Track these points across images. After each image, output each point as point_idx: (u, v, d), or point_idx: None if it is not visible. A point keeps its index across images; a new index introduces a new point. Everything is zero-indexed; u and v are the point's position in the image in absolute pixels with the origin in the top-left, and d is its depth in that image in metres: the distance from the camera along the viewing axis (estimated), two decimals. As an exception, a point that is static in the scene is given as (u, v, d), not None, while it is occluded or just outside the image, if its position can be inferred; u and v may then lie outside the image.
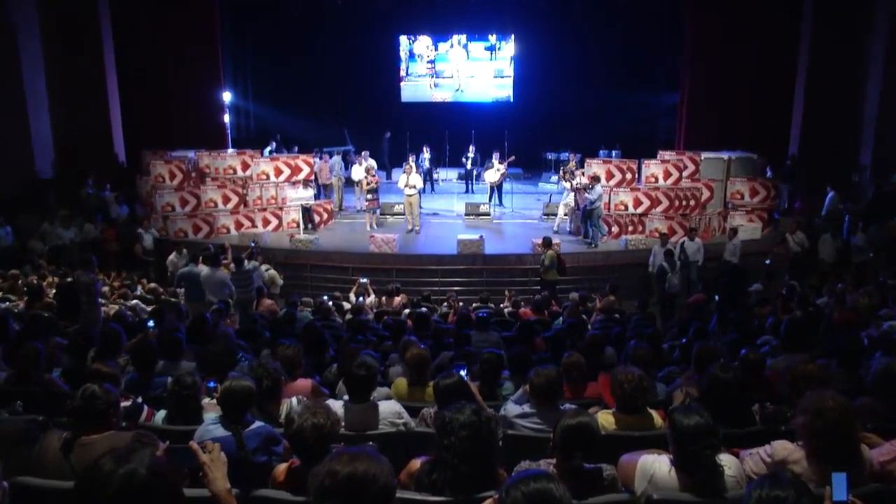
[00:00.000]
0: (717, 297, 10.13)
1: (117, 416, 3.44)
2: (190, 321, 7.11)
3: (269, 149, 17.47)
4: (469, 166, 19.05)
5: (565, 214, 15.02)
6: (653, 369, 5.42)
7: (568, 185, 14.61)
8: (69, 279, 9.55)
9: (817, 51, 16.21)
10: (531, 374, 4.11)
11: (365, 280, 11.45)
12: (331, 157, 17.24)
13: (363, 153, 17.26)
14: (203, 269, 10.00)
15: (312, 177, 15.61)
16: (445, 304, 10.77)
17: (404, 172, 14.88)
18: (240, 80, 21.25)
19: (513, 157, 17.09)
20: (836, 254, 12.73)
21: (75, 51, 16.27)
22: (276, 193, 15.14)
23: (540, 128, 21.08)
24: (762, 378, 4.84)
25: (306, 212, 14.85)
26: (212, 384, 4.47)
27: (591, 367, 5.35)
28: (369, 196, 14.99)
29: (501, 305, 10.81)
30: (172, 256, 12.08)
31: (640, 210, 14.49)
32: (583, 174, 14.56)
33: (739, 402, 3.99)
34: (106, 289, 10.34)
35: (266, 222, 15.09)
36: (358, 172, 16.70)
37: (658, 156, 15.18)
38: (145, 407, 4.26)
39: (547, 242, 12.01)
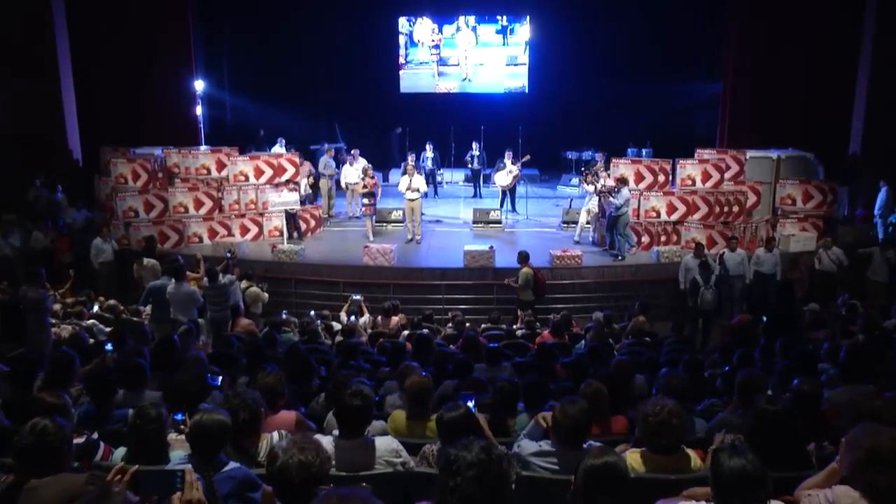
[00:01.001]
0: (764, 319, 10.09)
1: (69, 456, 3.40)
2: (155, 344, 7.12)
3: (277, 147, 17.59)
4: (477, 167, 19.15)
5: (588, 222, 15.04)
6: (690, 402, 5.40)
7: (591, 188, 14.65)
8: (13, 295, 9.51)
9: (883, 39, 16.17)
10: (554, 408, 4.10)
11: (358, 297, 11.46)
12: (319, 154, 17.33)
13: (353, 152, 17.34)
14: (169, 283, 10.04)
15: (298, 178, 15.68)
16: (450, 324, 10.77)
17: (405, 174, 14.94)
18: (214, 66, 21.42)
19: (528, 157, 17.17)
20: (890, 271, 12.39)
21: (22, 30, 15.81)
22: (255, 197, 15.20)
23: (559, 123, 21.17)
24: (819, 413, 4.81)
25: (291, 218, 14.92)
26: (180, 417, 4.46)
27: (618, 399, 5.33)
28: (366, 200, 15.05)
29: (514, 327, 10.80)
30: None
31: (674, 217, 14.50)
32: (608, 176, 14.59)
33: (792, 441, 3.95)
34: (57, 306, 10.33)
35: (244, 230, 15.14)
36: (350, 174, 16.78)
37: (696, 155, 15.22)
38: (101, 444, 4.24)
39: (522, 257, 12.09)
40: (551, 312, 12.21)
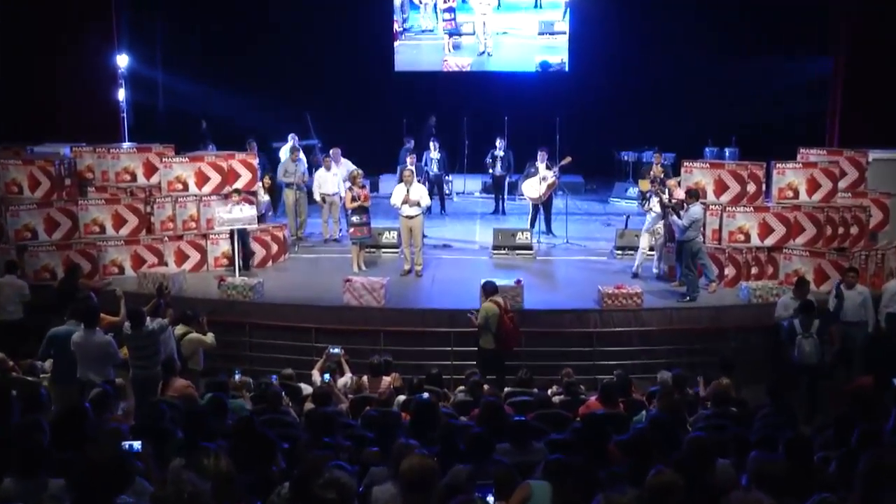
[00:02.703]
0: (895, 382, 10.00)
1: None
2: (56, 414, 7.10)
3: (289, 144, 17.78)
4: (499, 172, 19.26)
5: (651, 248, 15.02)
6: (793, 496, 5.35)
7: (654, 201, 14.64)
8: None
9: None
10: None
11: (337, 350, 11.42)
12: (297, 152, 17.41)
13: (333, 152, 17.46)
14: (76, 330, 10.05)
15: (256, 186, 15.82)
16: (462, 387, 10.72)
17: (401, 182, 15.00)
18: (143, 36, 21.68)
19: (568, 159, 17.24)
20: None
21: None
22: (197, 213, 15.29)
23: (611, 113, 21.29)
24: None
25: (241, 240, 14.82)
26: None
27: (694, 492, 5.28)
28: (356, 219, 15.08)
29: (549, 391, 10.75)
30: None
31: (769, 241, 14.48)
32: (677, 185, 14.60)
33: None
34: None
35: (181, 257, 15.20)
36: (326, 181, 16.86)
37: (798, 156, 15.25)
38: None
39: (488, 289, 12.07)
40: (601, 371, 12.16)
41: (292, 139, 18.16)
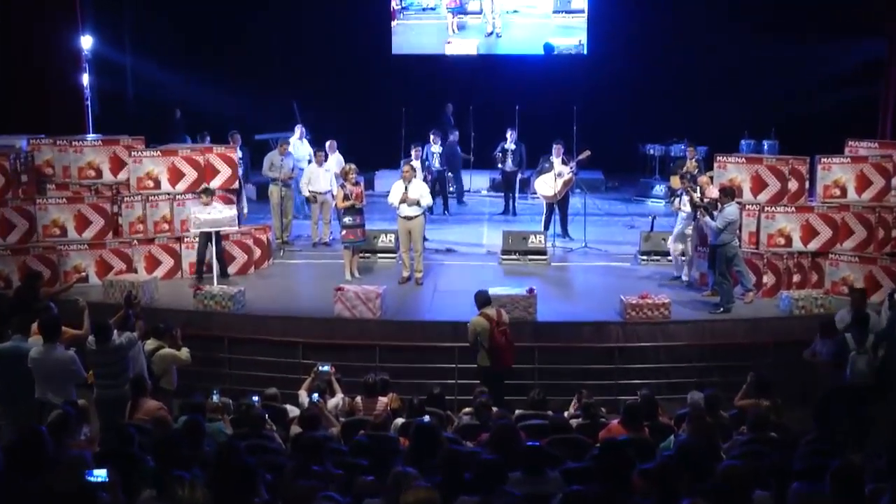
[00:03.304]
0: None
1: None
2: (8, 441, 7.09)
3: (296, 136, 17.77)
4: (510, 168, 19.29)
5: (682, 254, 15.00)
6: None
7: (685, 199, 14.59)
8: None
9: None
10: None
11: (326, 368, 11.40)
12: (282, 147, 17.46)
13: (329, 144, 17.44)
14: (34, 346, 10.01)
15: (237, 184, 15.79)
16: (469, 409, 10.70)
17: (401, 179, 14.97)
18: (110, 15, 21.70)
19: (587, 153, 17.24)
20: None
21: None
22: (171, 213, 15.29)
23: (635, 101, 21.28)
24: None
25: (208, 244, 14.72)
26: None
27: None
28: (348, 220, 15.04)
29: (566, 414, 10.73)
30: None
31: (813, 246, 14.46)
32: (710, 182, 14.60)
33: None
34: None
35: (153, 263, 15.19)
36: (318, 178, 16.86)
37: (846, 150, 15.24)
38: None
39: (480, 300, 12.04)
40: (624, 391, 12.14)
41: (299, 130, 18.19)
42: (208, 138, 17.91)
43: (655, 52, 21.16)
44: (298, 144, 18.13)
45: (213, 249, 14.64)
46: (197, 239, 14.96)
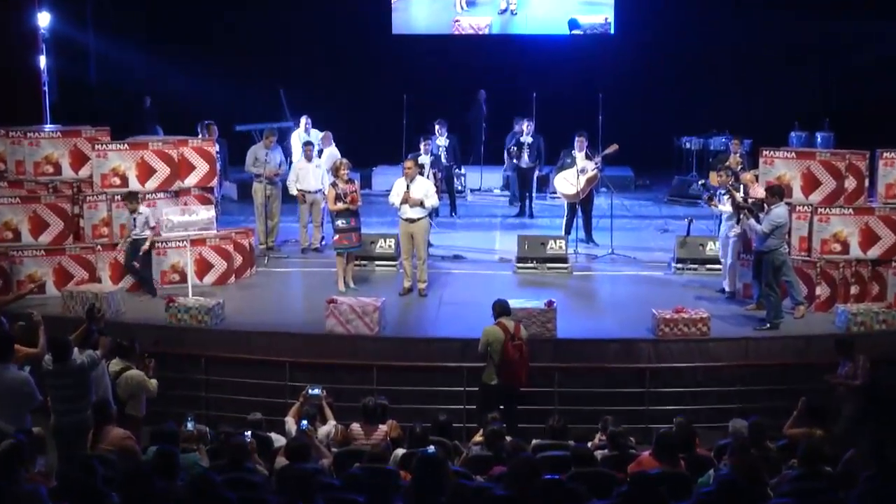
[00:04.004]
0: None
1: None
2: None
3: (301, 128, 17.86)
4: (526, 164, 19.26)
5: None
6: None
7: (726, 199, 14.57)
8: None
9: None
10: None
11: (317, 391, 11.38)
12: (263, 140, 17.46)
13: (324, 136, 17.47)
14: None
15: (215, 182, 15.78)
16: (479, 437, 10.69)
17: (403, 175, 14.94)
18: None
19: (614, 147, 17.24)
20: None
21: None
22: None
23: (668, 88, 21.24)
24: None
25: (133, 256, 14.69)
26: None
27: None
28: (341, 223, 15.03)
29: (590, 444, 10.70)
30: None
31: (873, 253, 14.40)
32: (755, 180, 14.56)
33: None
34: None
35: (118, 272, 15.17)
36: (307, 174, 16.88)
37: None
38: None
39: (498, 309, 12.06)
40: (656, 419, 12.09)
41: (305, 122, 18.21)
42: (215, 129, 17.80)
43: (693, 32, 21.14)
44: (305, 139, 17.92)
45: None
46: (171, 244, 14.98)
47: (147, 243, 14.58)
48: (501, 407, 11.62)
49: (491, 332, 11.88)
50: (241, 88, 20.63)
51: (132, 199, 14.63)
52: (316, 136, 18.16)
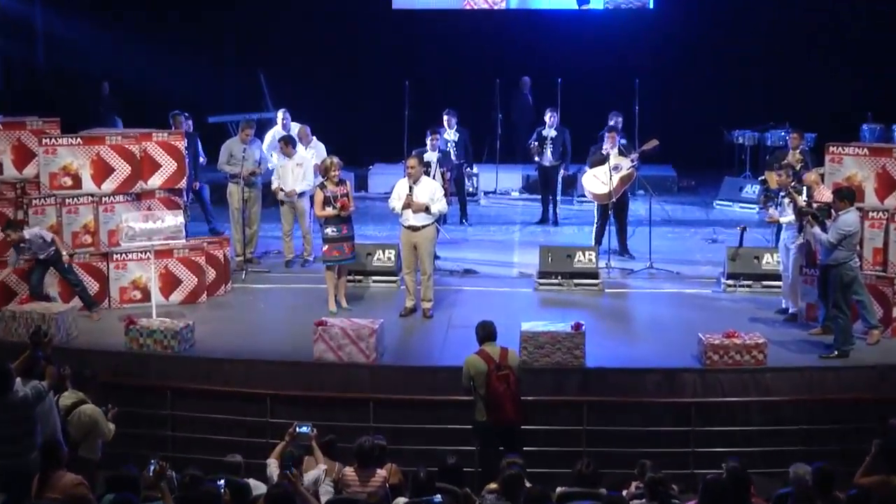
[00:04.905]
0: None
1: None
2: None
3: (279, 124, 17.92)
4: (550, 161, 19.29)
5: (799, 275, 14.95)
6: None
7: (787, 204, 14.54)
8: None
9: None
10: None
11: (305, 429, 11.38)
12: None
13: (301, 130, 17.46)
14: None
15: (182, 182, 15.87)
16: (494, 485, 10.67)
17: (405, 176, 14.91)
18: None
19: (654, 143, 17.27)
20: None
21: None
22: (95, 221, 15.31)
23: (717, 73, 21.24)
24: None
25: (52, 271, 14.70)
26: None
27: None
28: (331, 231, 15.02)
29: (626, 493, 10.70)
30: None
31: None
32: (820, 180, 14.56)
33: None
34: None
35: (70, 288, 15.15)
36: (290, 173, 16.86)
37: None
38: None
39: (482, 333, 11.94)
40: (702, 463, 12.06)
41: (283, 117, 18.27)
42: (183, 121, 17.92)
43: (746, 5, 21.13)
44: (283, 135, 17.86)
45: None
46: (132, 256, 15.01)
47: (65, 255, 14.56)
48: (501, 448, 11.61)
49: (471, 363, 11.79)
50: (214, 73, 20.68)
51: (13, 228, 14.23)
52: (294, 130, 18.12)
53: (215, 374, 13.51)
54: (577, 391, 13.02)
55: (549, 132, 18.98)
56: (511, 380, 11.80)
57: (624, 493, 10.65)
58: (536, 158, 19.30)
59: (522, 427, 12.10)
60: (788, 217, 14.43)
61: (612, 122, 17.10)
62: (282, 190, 16.91)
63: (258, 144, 17.48)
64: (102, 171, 15.42)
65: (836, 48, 20.75)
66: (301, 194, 16.81)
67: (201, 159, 18.43)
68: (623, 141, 17.29)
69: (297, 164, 16.91)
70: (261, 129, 18.45)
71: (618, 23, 22.43)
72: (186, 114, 17.98)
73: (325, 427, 11.87)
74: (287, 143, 17.07)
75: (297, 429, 11.33)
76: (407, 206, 14.64)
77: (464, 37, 22.36)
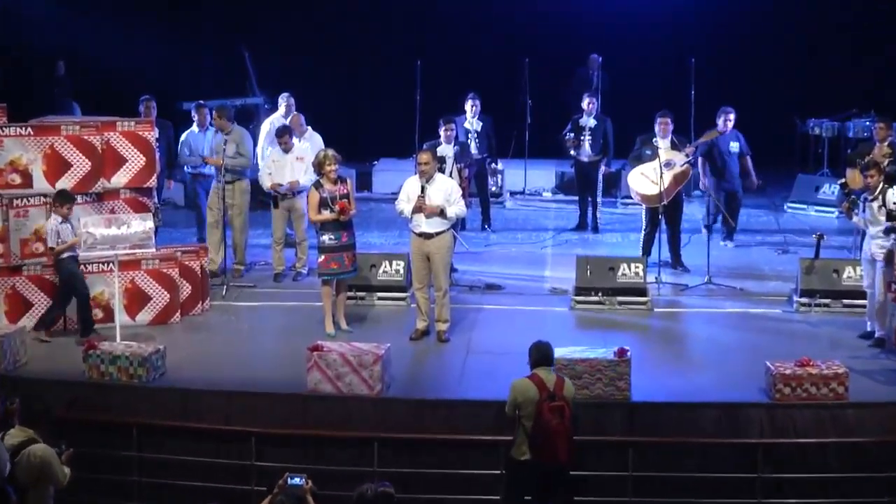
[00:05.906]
0: None
1: None
2: None
3: (281, 110, 18.13)
4: (588, 157, 19.32)
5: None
6: None
7: (874, 206, 14.54)
8: None
9: None
10: None
11: (298, 481, 11.41)
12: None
13: (293, 119, 17.54)
14: None
15: (152, 181, 15.98)
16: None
17: (417, 173, 14.95)
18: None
19: (714, 134, 17.24)
20: None
21: None
22: (48, 227, 15.25)
23: (787, 54, 21.30)
24: None
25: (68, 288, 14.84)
26: None
27: None
28: (329, 239, 15.05)
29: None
30: None
31: None
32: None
33: None
34: None
35: (18, 305, 15.31)
36: (283, 166, 16.97)
37: None
38: None
39: (537, 355, 11.74)
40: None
41: (287, 102, 18.35)
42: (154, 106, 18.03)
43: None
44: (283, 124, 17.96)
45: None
46: (92, 267, 15.08)
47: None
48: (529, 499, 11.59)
49: (520, 388, 11.60)
50: (190, 52, 20.76)
51: (64, 199, 14.69)
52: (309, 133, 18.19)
53: (190, 408, 13.49)
54: (622, 430, 12.98)
55: (588, 121, 19.00)
56: (566, 414, 11.58)
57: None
58: (572, 153, 19.31)
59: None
60: (879, 226, 14.43)
61: (662, 121, 16.97)
62: (280, 185, 17.00)
63: (212, 131, 17.62)
64: (57, 166, 15.48)
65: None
66: (301, 190, 16.84)
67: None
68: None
69: (298, 157, 17.00)
70: (246, 117, 18.45)
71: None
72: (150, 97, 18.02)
73: (320, 473, 11.89)
74: (283, 134, 17.12)
75: (288, 480, 11.36)
76: (418, 209, 14.68)
77: (486, 6, 22.42)
